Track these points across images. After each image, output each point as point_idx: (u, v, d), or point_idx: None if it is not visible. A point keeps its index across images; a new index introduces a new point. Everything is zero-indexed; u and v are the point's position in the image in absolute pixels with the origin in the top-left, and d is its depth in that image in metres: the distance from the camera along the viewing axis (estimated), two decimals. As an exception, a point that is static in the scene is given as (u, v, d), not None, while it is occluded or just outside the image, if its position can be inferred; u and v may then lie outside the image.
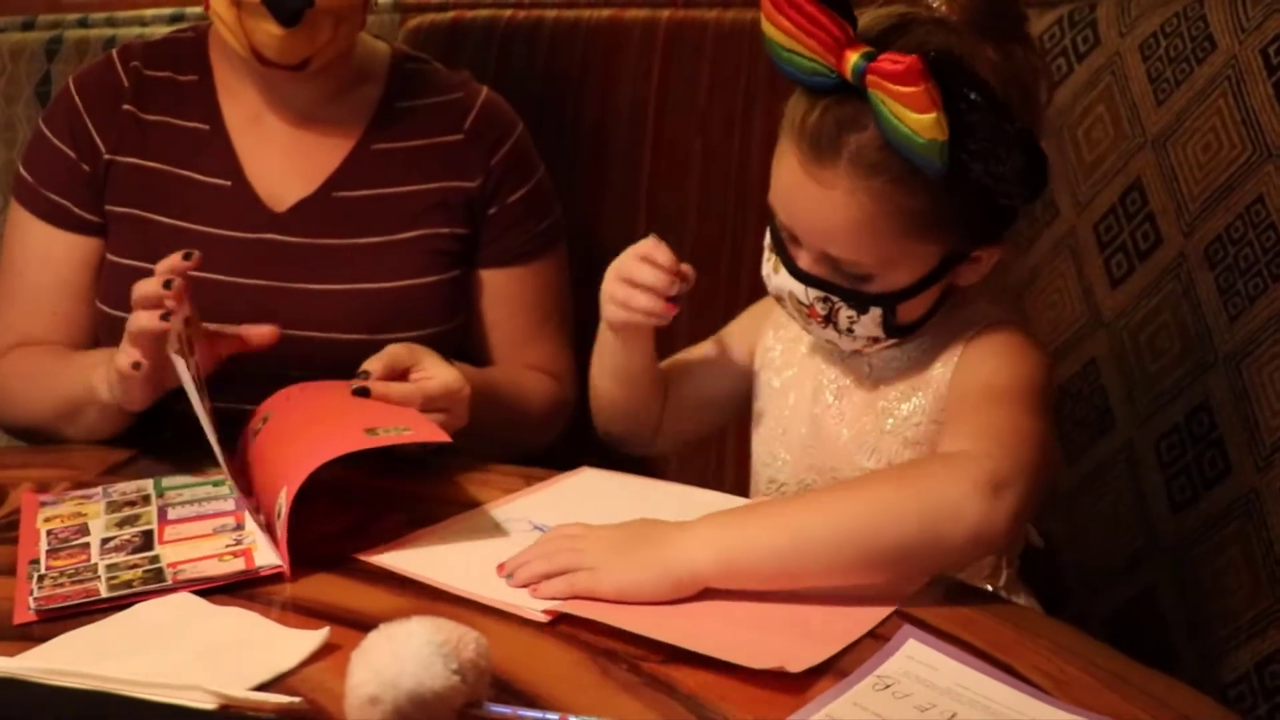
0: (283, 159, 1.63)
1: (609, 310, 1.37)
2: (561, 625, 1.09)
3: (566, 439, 1.75)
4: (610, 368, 1.45)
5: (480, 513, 1.32)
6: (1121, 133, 1.63)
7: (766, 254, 1.28)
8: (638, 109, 2.03)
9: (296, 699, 0.95)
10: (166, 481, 1.38)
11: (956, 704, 0.97)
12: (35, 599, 1.11)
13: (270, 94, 1.63)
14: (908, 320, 1.25)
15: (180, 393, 1.42)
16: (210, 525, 1.26)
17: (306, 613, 1.11)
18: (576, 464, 1.46)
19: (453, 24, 2.15)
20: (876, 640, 1.07)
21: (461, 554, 1.23)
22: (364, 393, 1.36)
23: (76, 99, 1.65)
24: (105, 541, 1.23)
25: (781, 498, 1.26)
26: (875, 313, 1.23)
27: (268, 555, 1.17)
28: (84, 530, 1.26)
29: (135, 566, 1.16)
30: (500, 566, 1.18)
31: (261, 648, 1.03)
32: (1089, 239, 1.67)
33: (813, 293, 1.23)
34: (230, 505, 1.31)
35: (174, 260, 1.34)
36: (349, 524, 1.27)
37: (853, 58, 1.11)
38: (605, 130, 2.05)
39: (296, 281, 1.58)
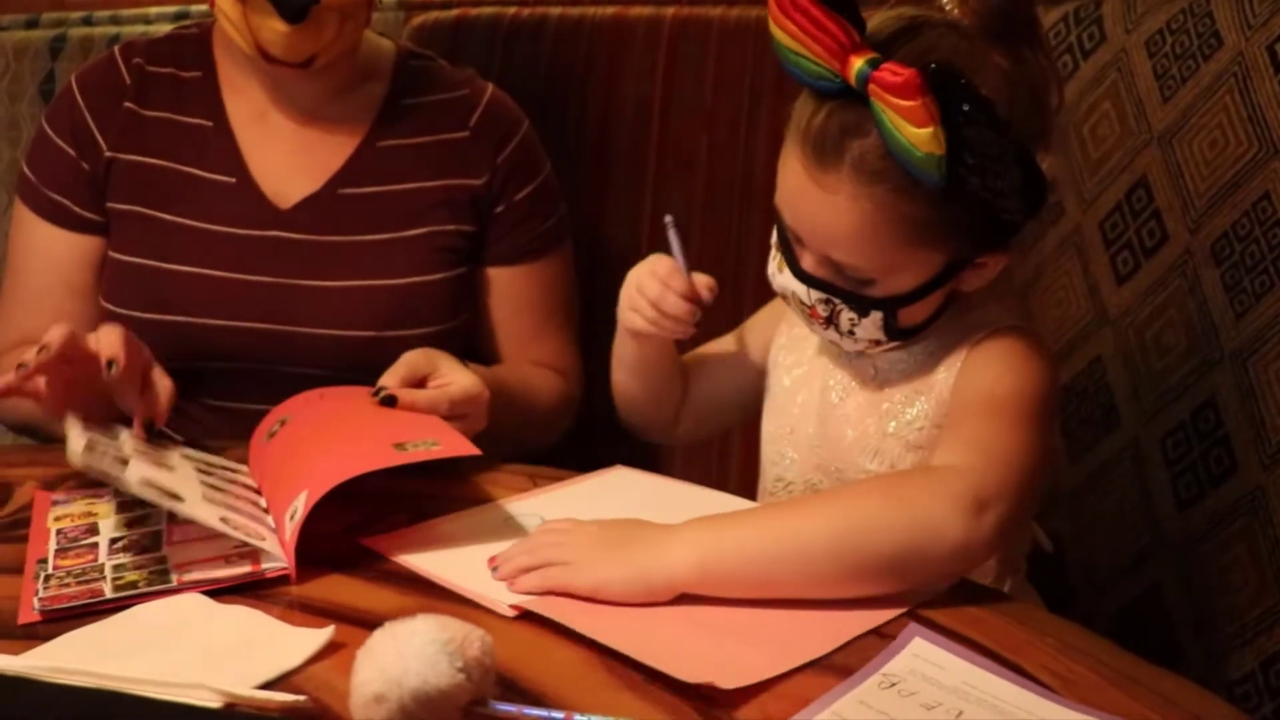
0: (288, 156, 1.63)
1: (629, 319, 1.38)
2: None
3: (571, 436, 1.75)
4: (629, 364, 1.46)
5: (494, 507, 1.32)
6: (1127, 129, 1.63)
7: (773, 252, 1.28)
8: (642, 107, 2.03)
9: (301, 697, 0.94)
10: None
11: (963, 702, 0.97)
12: (40, 599, 1.11)
13: (275, 91, 1.63)
14: (910, 324, 1.25)
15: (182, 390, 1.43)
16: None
17: (311, 611, 1.10)
18: (581, 461, 1.46)
19: (456, 21, 2.15)
20: (882, 638, 1.06)
21: (462, 546, 1.23)
22: (390, 401, 1.36)
23: (78, 97, 1.65)
24: (114, 541, 1.22)
25: (769, 505, 1.25)
26: (876, 316, 1.22)
27: (274, 557, 1.17)
28: (94, 530, 1.25)
29: (141, 567, 1.16)
30: (492, 559, 1.18)
31: (266, 646, 1.03)
32: (1094, 236, 1.66)
33: (814, 294, 1.23)
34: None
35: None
36: (353, 522, 1.27)
37: (857, 64, 1.10)
38: (610, 128, 2.05)
39: (302, 278, 1.58)
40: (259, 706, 0.94)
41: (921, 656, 1.03)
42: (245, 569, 1.15)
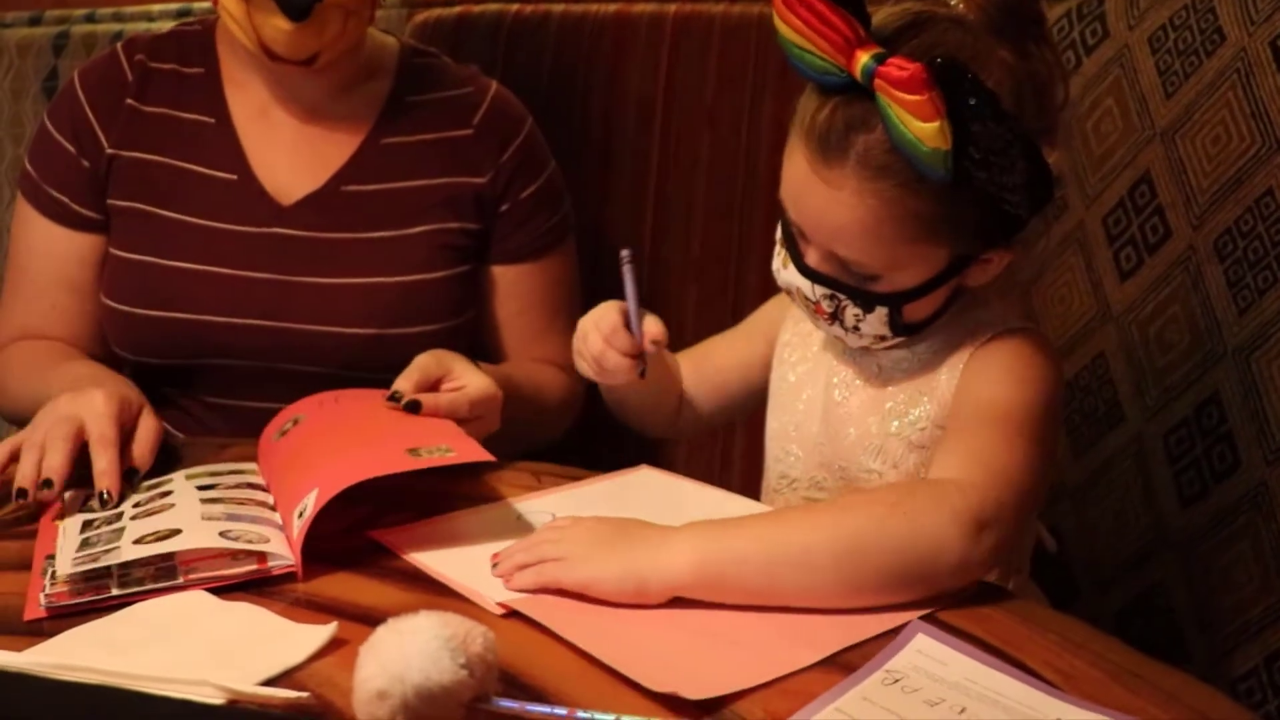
0: (290, 153, 1.63)
1: (578, 365, 1.41)
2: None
3: (574, 432, 1.75)
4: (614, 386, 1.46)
5: (507, 504, 1.32)
6: (1130, 126, 1.63)
7: (777, 248, 1.28)
8: (645, 103, 2.03)
9: (304, 694, 0.95)
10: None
11: (966, 698, 0.97)
12: (46, 595, 1.11)
13: (278, 88, 1.63)
14: (914, 320, 1.25)
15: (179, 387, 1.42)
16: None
17: (315, 608, 1.11)
18: (584, 457, 1.46)
19: (459, 19, 2.15)
20: (886, 635, 1.06)
21: (470, 542, 1.23)
22: (414, 407, 1.36)
23: (80, 94, 1.65)
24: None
25: (771, 512, 1.25)
26: (881, 312, 1.22)
27: (280, 555, 1.17)
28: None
29: (148, 564, 1.16)
30: (494, 556, 1.18)
31: (270, 643, 1.03)
32: (1098, 232, 1.66)
33: (819, 289, 1.23)
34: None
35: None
36: (357, 519, 1.27)
37: (863, 58, 1.10)
38: (612, 125, 2.05)
39: (304, 276, 1.58)
40: (262, 703, 0.94)
41: (925, 653, 1.03)
42: (251, 566, 1.15)
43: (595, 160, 2.05)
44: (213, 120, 1.64)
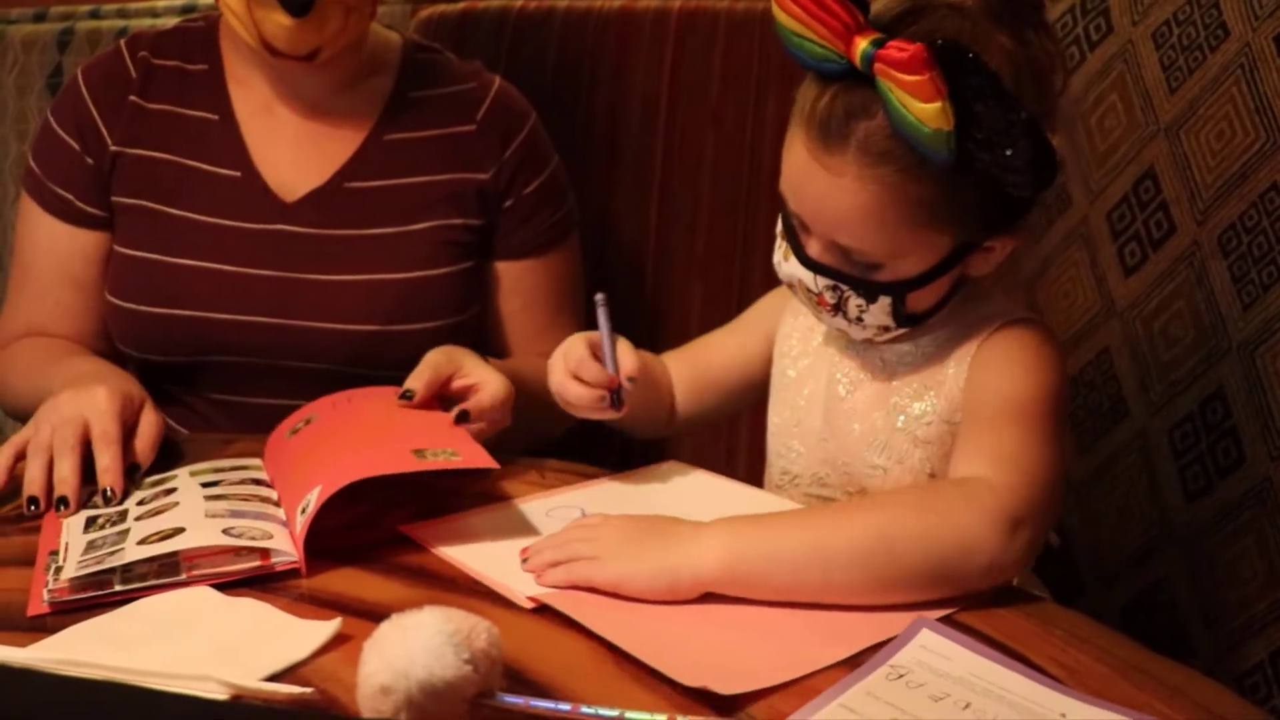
0: (293, 149, 1.63)
1: (549, 383, 1.38)
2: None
3: (576, 429, 1.74)
4: None
5: (533, 500, 1.33)
6: (1134, 121, 1.63)
7: (778, 241, 1.27)
8: (650, 100, 2.03)
9: (308, 689, 0.95)
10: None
11: (970, 693, 0.97)
12: (49, 591, 1.11)
13: (281, 84, 1.63)
14: (918, 310, 1.24)
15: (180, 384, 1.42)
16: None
17: (319, 603, 1.11)
18: (586, 453, 1.46)
19: (463, 15, 2.15)
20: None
21: (497, 537, 1.24)
22: (464, 417, 1.35)
23: (83, 91, 1.65)
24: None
25: (803, 510, 1.25)
26: (884, 302, 1.22)
27: (284, 551, 1.17)
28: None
29: (151, 560, 1.16)
30: (523, 550, 1.18)
31: (273, 638, 1.03)
32: (1102, 228, 1.66)
33: (821, 281, 1.23)
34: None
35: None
36: (361, 515, 1.27)
37: (861, 44, 1.10)
38: (617, 121, 2.05)
39: (308, 272, 1.58)
40: (266, 698, 0.94)
41: (929, 648, 1.03)
42: (254, 563, 1.16)
43: (600, 156, 2.05)
44: (216, 117, 1.63)
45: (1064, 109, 1.21)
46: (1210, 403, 1.53)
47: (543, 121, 1.74)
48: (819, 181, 1.17)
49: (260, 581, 1.14)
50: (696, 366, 1.49)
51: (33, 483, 1.29)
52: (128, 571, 1.14)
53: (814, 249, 1.22)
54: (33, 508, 1.28)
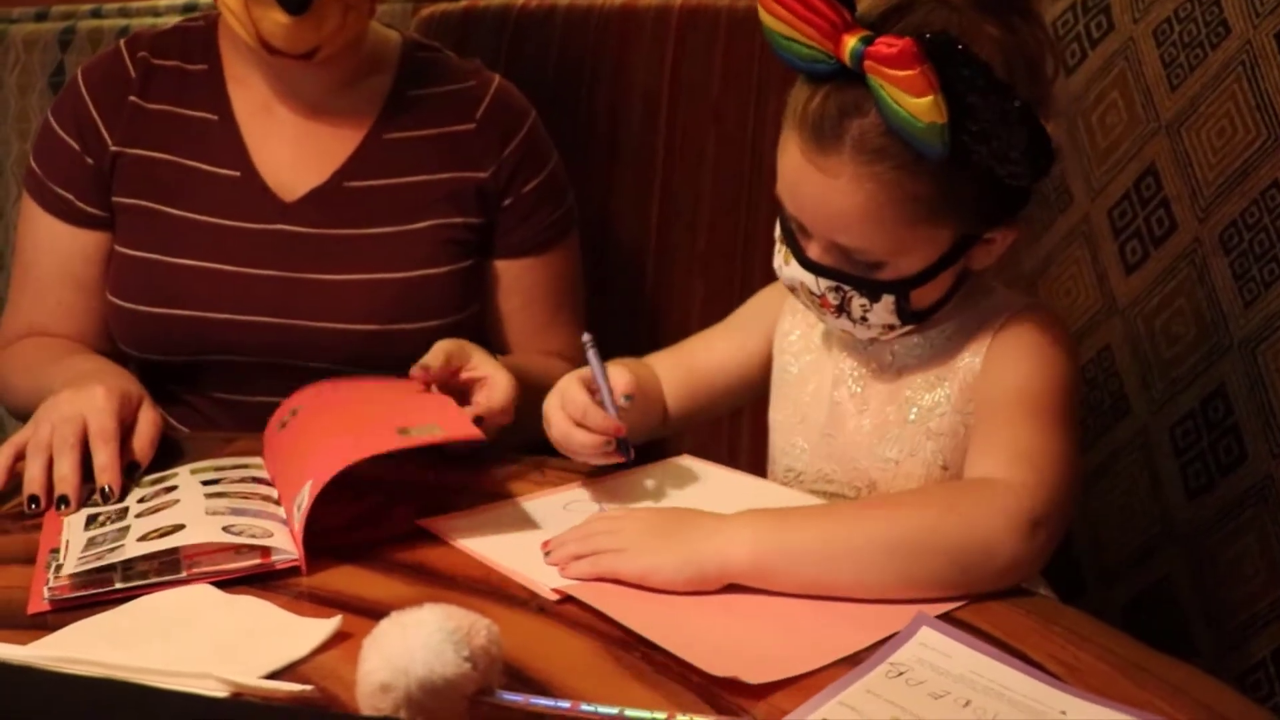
0: (293, 149, 1.63)
1: (550, 434, 1.33)
2: (576, 614, 1.09)
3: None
4: None
5: (552, 494, 1.33)
6: (1135, 118, 1.63)
7: (777, 245, 1.27)
8: (651, 97, 2.03)
9: (308, 687, 0.95)
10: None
11: (971, 691, 0.96)
12: (50, 588, 1.11)
13: (279, 84, 1.63)
14: (921, 306, 1.24)
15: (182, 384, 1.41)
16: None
17: (319, 601, 1.11)
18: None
19: (465, 13, 2.15)
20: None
21: (517, 531, 1.25)
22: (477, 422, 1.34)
23: (83, 91, 1.65)
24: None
25: (827, 505, 1.25)
26: (888, 300, 1.22)
27: (284, 549, 1.17)
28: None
29: (152, 558, 1.16)
30: (545, 544, 1.19)
31: (274, 636, 1.03)
32: (1103, 225, 1.66)
33: (824, 283, 1.22)
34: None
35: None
36: (362, 513, 1.27)
37: (850, 42, 1.10)
38: (618, 119, 2.05)
39: (308, 272, 1.58)
40: (266, 696, 0.94)
41: (929, 645, 1.03)
42: (255, 561, 1.16)
43: (601, 154, 2.05)
44: (216, 117, 1.63)
45: (1059, 97, 1.21)
46: (1212, 400, 1.53)
47: (544, 119, 1.74)
48: (815, 183, 1.17)
49: (260, 579, 1.14)
50: (691, 369, 1.48)
51: (33, 481, 1.29)
52: (128, 569, 1.14)
53: (814, 251, 1.22)
54: (33, 506, 1.28)
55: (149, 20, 2.37)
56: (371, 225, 1.60)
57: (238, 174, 1.61)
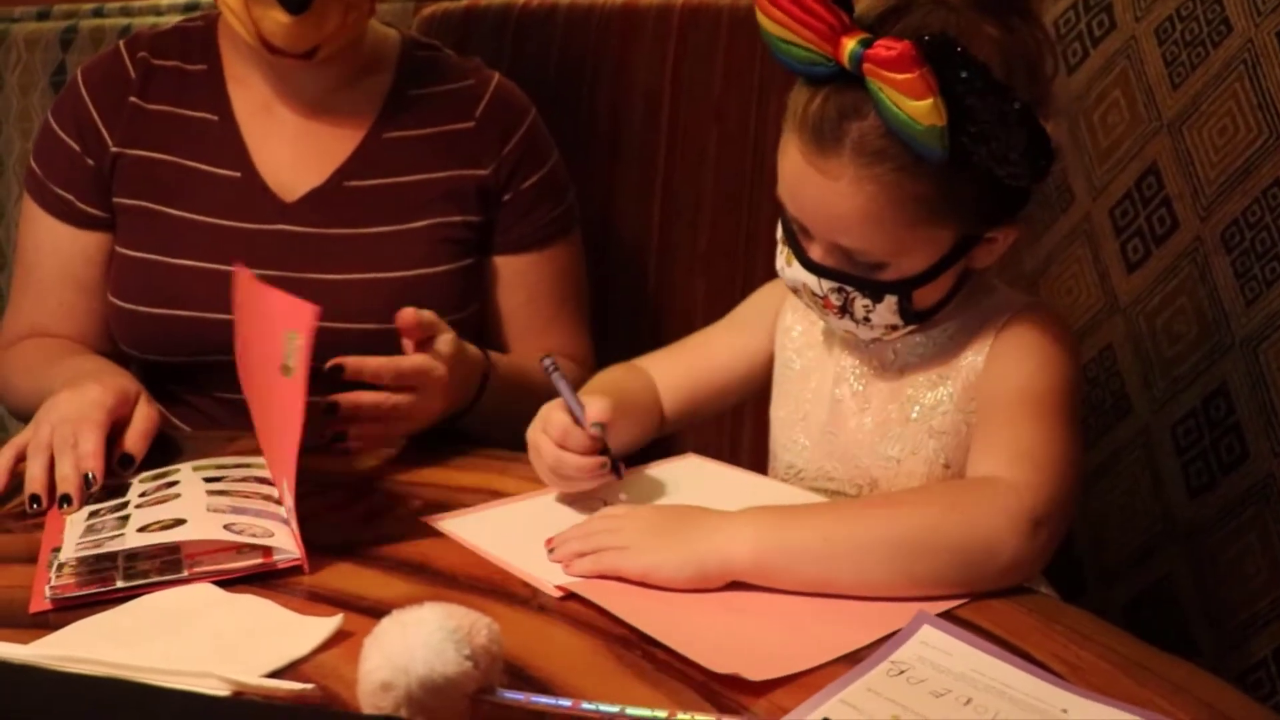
0: (293, 149, 1.63)
1: (542, 465, 1.30)
2: (577, 612, 1.09)
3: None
4: None
5: (553, 491, 1.33)
6: (1137, 117, 1.62)
7: (779, 247, 1.27)
8: (653, 96, 2.03)
9: (309, 686, 0.95)
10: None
11: (972, 690, 0.96)
12: (52, 587, 1.11)
13: (280, 83, 1.63)
14: (924, 306, 1.24)
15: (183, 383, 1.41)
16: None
17: (320, 600, 1.11)
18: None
19: (466, 12, 2.15)
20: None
21: (521, 527, 1.25)
22: (338, 371, 1.37)
23: (83, 92, 1.65)
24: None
25: (830, 503, 1.25)
26: (890, 300, 1.22)
27: (285, 549, 1.16)
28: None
29: (154, 557, 1.16)
30: (549, 540, 1.19)
31: (275, 635, 1.03)
32: (1105, 224, 1.66)
33: (826, 284, 1.23)
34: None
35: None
36: (362, 512, 1.27)
37: (849, 45, 1.10)
38: (620, 118, 2.05)
39: (308, 272, 1.58)
40: (267, 695, 0.94)
41: (930, 644, 1.03)
42: (256, 560, 1.16)
43: (603, 152, 2.05)
44: (215, 117, 1.64)
45: (1059, 97, 1.21)
46: (1213, 399, 1.53)
47: (545, 118, 1.74)
48: (816, 185, 1.17)
49: (261, 578, 1.14)
50: (691, 367, 1.47)
51: (34, 480, 1.29)
52: (129, 568, 1.14)
53: (816, 252, 1.22)
54: (35, 505, 1.28)
55: (151, 19, 2.37)
56: (372, 225, 1.60)
57: (238, 174, 1.61)
